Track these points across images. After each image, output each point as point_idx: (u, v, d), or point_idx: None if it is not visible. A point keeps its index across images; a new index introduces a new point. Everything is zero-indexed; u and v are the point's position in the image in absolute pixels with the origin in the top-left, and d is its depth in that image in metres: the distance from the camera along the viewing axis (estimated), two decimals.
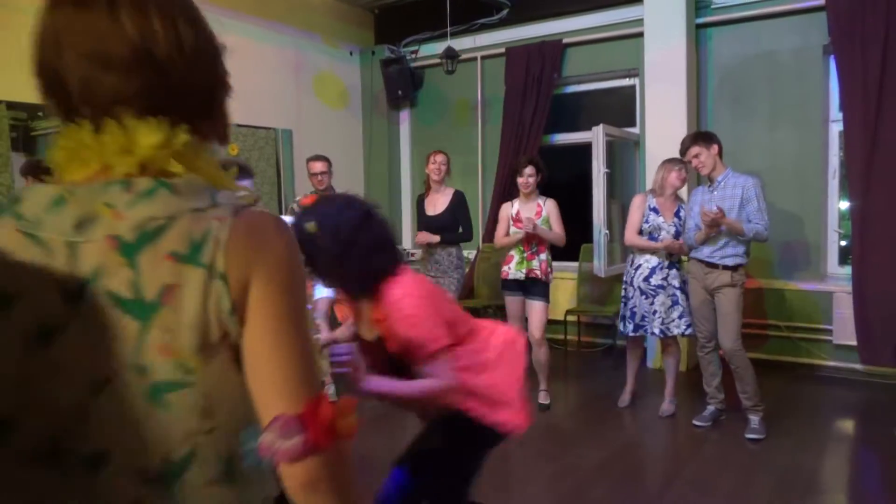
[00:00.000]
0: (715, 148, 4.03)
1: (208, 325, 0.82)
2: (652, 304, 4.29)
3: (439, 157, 4.75)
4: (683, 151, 4.11)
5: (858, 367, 5.04)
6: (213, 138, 0.99)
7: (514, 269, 4.47)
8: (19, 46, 3.90)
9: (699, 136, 4.05)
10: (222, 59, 1.02)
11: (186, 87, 0.90)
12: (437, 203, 4.74)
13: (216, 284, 0.82)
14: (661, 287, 4.28)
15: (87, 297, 0.80)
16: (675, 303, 4.30)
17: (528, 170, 4.47)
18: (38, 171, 4.71)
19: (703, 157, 4.00)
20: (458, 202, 4.72)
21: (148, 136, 0.85)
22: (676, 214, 4.31)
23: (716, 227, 3.91)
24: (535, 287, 4.45)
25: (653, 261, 4.30)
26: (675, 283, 4.30)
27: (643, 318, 4.34)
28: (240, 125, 5.95)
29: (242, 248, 0.84)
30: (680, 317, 4.29)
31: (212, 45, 0.99)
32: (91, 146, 0.85)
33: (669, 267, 4.32)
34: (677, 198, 4.39)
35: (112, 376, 0.81)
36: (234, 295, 0.83)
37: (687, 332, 4.31)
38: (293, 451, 0.81)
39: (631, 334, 4.46)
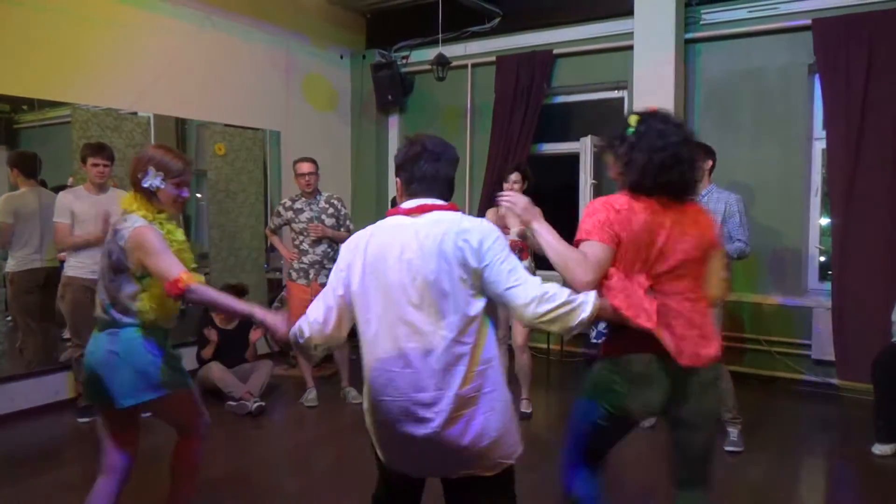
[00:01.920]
0: (709, 163, 4.06)
1: None
2: None
3: None
4: None
5: (836, 382, 5.10)
6: None
7: None
8: (6, 39, 3.95)
9: (700, 146, 4.07)
10: None
11: None
12: None
13: None
14: None
15: None
16: None
17: (514, 176, 4.48)
18: (26, 164, 4.67)
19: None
20: None
21: None
22: None
23: None
24: None
25: None
26: None
27: None
28: (227, 125, 5.93)
29: None
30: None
31: None
32: None
33: None
34: None
35: None
36: None
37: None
38: None
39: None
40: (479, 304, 1.91)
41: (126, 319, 2.46)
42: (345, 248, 2.08)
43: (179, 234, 2.58)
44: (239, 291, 5.12)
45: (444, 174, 2.07)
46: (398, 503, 2.19)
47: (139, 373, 2.45)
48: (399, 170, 2.07)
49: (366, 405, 2.04)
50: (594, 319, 1.97)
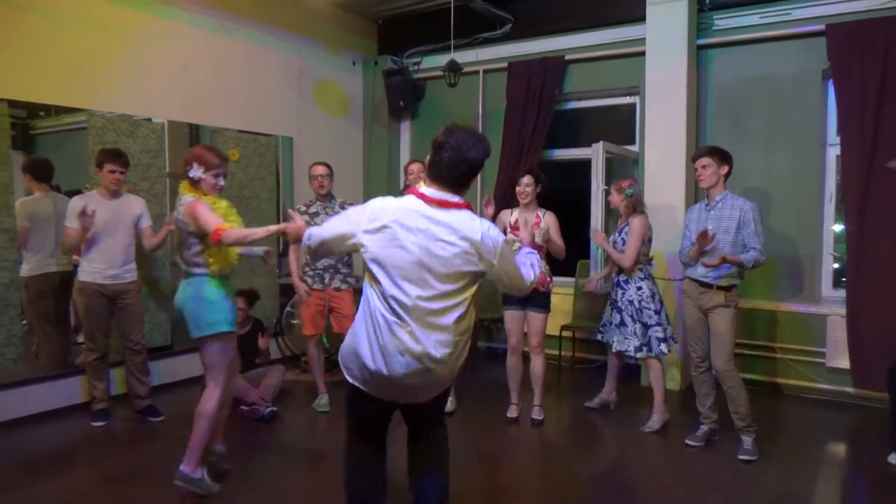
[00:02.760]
0: (725, 168, 4.04)
1: None
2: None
3: (414, 167, 4.74)
4: (695, 157, 4.12)
5: (851, 390, 5.05)
6: None
7: None
8: (23, 46, 4.00)
9: (717, 151, 4.05)
10: None
11: None
12: None
13: None
14: (614, 301, 4.64)
15: None
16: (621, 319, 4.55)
17: (526, 179, 4.48)
18: (38, 169, 4.71)
19: (710, 171, 4.01)
20: None
21: None
22: (619, 232, 4.59)
23: (707, 245, 3.91)
24: (534, 299, 4.44)
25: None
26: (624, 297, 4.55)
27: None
28: (241, 131, 5.96)
29: None
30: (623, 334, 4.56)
31: None
32: None
33: (624, 283, 4.55)
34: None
35: None
36: None
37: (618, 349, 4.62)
38: None
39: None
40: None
41: (196, 270, 3.25)
42: (370, 208, 2.32)
43: (223, 203, 3.32)
44: (250, 296, 5.16)
45: (464, 170, 2.30)
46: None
47: (199, 312, 3.21)
48: (431, 150, 2.34)
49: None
50: None
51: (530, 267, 2.55)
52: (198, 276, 3.24)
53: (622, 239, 4.51)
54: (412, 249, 2.24)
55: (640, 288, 4.46)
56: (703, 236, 3.87)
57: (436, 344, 2.29)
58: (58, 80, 4.65)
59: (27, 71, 4.48)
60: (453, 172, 2.29)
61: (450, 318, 2.30)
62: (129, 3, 5.02)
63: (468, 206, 2.34)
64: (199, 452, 3.35)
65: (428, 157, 2.35)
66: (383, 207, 2.30)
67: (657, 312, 4.43)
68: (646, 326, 4.45)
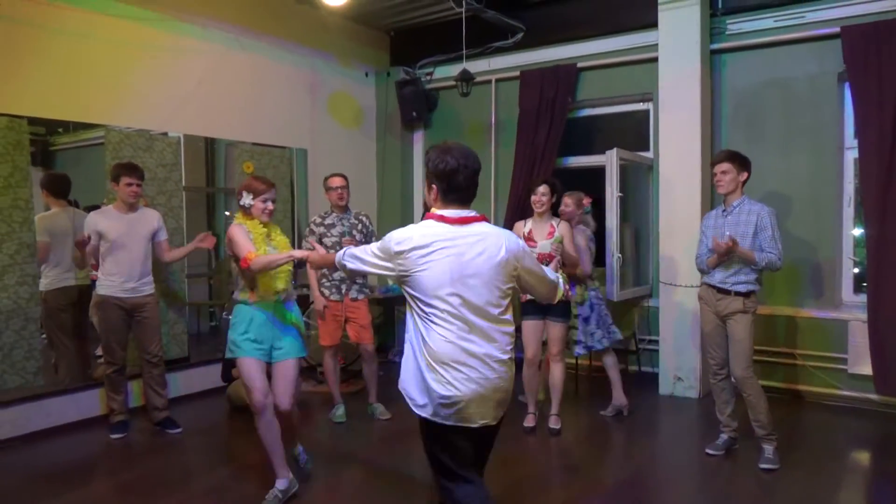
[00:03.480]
0: (745, 175, 4.00)
1: None
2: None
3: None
4: (715, 161, 4.08)
5: (874, 397, 4.97)
6: None
7: None
8: (41, 64, 4.07)
9: (737, 157, 4.02)
10: None
11: None
12: None
13: None
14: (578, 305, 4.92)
15: None
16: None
17: (542, 188, 4.48)
18: (55, 185, 4.77)
19: (729, 177, 3.97)
20: None
21: None
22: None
23: (726, 255, 3.88)
24: (553, 308, 4.43)
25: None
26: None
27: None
28: (255, 144, 6.01)
29: None
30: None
31: None
32: None
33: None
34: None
35: None
36: None
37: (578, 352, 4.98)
38: None
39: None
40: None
41: (236, 296, 3.47)
42: (398, 239, 2.32)
43: (262, 230, 3.44)
44: None
45: (475, 185, 2.39)
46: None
47: (228, 334, 3.43)
48: (435, 178, 2.35)
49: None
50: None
51: (552, 272, 2.65)
52: (237, 303, 3.46)
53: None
54: (452, 268, 2.27)
55: (596, 288, 4.95)
56: (726, 252, 3.84)
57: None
58: (76, 97, 4.72)
59: (46, 88, 4.56)
60: (471, 188, 2.38)
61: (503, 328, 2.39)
62: (146, 20, 5.09)
63: (485, 218, 2.42)
64: (274, 461, 3.46)
65: (435, 187, 2.35)
66: (410, 236, 2.32)
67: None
68: (606, 322, 4.89)
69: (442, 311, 2.28)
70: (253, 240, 3.36)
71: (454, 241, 2.28)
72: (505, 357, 2.37)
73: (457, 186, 2.33)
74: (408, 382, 2.36)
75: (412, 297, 2.33)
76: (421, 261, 2.28)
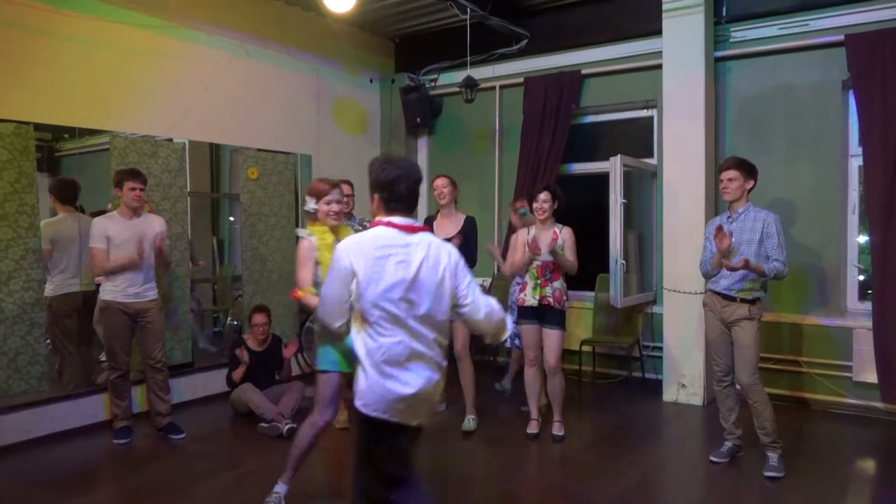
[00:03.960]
0: (751, 183, 4.00)
1: None
2: None
3: (439, 182, 4.75)
4: (723, 168, 4.08)
5: (879, 405, 4.95)
6: None
7: (529, 296, 4.46)
8: (48, 71, 4.08)
9: (744, 164, 4.01)
10: None
11: None
12: (446, 227, 4.66)
13: None
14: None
15: None
16: None
17: (543, 195, 4.48)
18: (62, 190, 4.79)
19: (736, 184, 3.97)
20: (469, 228, 4.65)
21: None
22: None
23: (727, 252, 3.86)
24: (550, 315, 4.44)
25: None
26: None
27: None
28: (260, 150, 6.03)
29: None
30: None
31: None
32: None
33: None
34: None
35: None
36: None
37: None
38: None
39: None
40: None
41: None
42: (345, 251, 2.38)
43: (329, 238, 3.31)
44: (269, 312, 5.20)
45: (416, 195, 2.47)
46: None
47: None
48: (378, 188, 2.44)
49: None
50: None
51: (491, 304, 2.54)
52: None
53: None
54: (399, 275, 2.34)
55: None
56: (719, 233, 3.83)
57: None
58: (82, 103, 4.75)
59: (52, 95, 4.58)
60: (413, 197, 2.46)
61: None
62: (152, 27, 5.12)
63: (427, 229, 2.53)
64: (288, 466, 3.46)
65: (377, 196, 2.45)
66: (348, 248, 2.38)
67: None
68: None
69: (390, 316, 2.33)
70: (319, 253, 3.26)
71: (406, 249, 2.36)
72: (443, 365, 2.48)
73: (399, 196, 2.41)
74: (358, 386, 2.40)
75: (360, 300, 2.36)
76: (372, 266, 2.34)
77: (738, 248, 3.90)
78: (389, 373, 2.34)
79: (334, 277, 2.40)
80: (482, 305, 2.48)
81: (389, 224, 2.40)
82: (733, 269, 3.84)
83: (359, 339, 2.40)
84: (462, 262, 2.49)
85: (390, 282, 2.33)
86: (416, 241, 2.39)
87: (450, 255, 2.45)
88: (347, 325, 2.44)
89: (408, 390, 2.35)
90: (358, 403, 2.39)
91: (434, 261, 2.39)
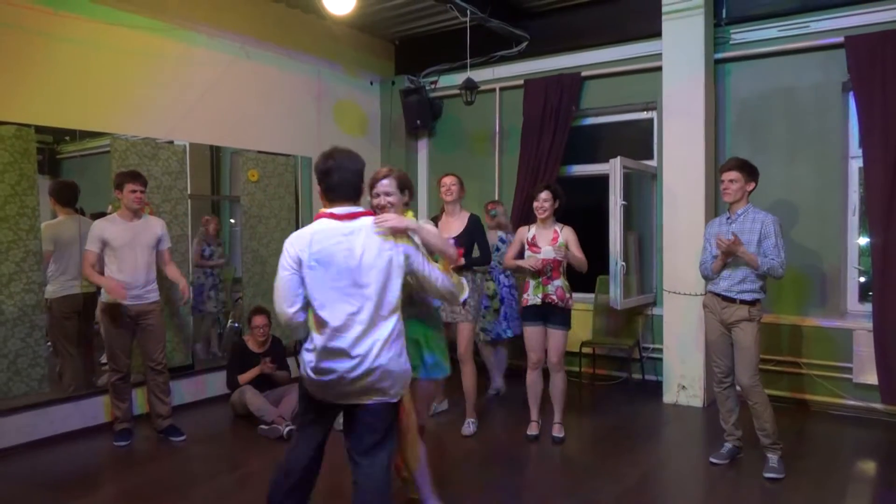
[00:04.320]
0: (752, 184, 4.01)
1: None
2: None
3: (447, 179, 4.75)
4: (724, 168, 4.08)
5: (879, 406, 4.95)
6: None
7: (531, 295, 4.46)
8: (48, 73, 4.09)
9: (746, 166, 4.01)
10: None
11: None
12: (452, 226, 4.67)
13: None
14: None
15: None
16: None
17: (544, 195, 4.48)
18: (62, 192, 4.80)
19: (737, 185, 3.97)
20: (475, 226, 4.67)
21: None
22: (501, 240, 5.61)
23: (730, 255, 3.88)
24: (554, 315, 4.43)
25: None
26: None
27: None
28: (260, 152, 6.04)
29: None
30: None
31: None
32: None
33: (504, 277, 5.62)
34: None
35: None
36: None
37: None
38: None
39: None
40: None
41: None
42: (289, 244, 2.56)
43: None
44: (266, 311, 5.20)
45: (351, 181, 2.62)
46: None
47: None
48: (318, 179, 2.64)
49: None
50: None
51: (439, 273, 2.75)
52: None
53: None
54: (344, 263, 2.49)
55: (511, 284, 5.66)
56: (728, 250, 3.85)
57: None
58: (83, 106, 4.76)
59: (53, 97, 4.59)
60: (345, 187, 2.60)
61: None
62: (152, 29, 5.13)
63: (371, 213, 2.66)
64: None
65: (320, 188, 2.63)
66: (292, 241, 2.56)
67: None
68: (514, 315, 5.52)
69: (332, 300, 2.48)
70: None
71: (348, 237, 2.51)
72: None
73: (331, 186, 2.59)
74: None
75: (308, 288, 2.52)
76: (315, 257, 2.49)
77: (736, 257, 3.90)
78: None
79: (283, 268, 2.54)
80: (434, 277, 2.68)
81: (330, 215, 2.56)
82: (724, 250, 3.85)
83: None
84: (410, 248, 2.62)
85: (338, 269, 2.48)
86: (357, 226, 2.53)
87: (392, 242, 2.56)
88: (299, 313, 2.55)
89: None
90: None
91: (375, 243, 2.52)
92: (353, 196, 2.62)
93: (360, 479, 2.59)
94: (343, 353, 2.48)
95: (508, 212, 6.62)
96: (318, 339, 2.52)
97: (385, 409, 2.60)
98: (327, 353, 2.50)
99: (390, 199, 3.02)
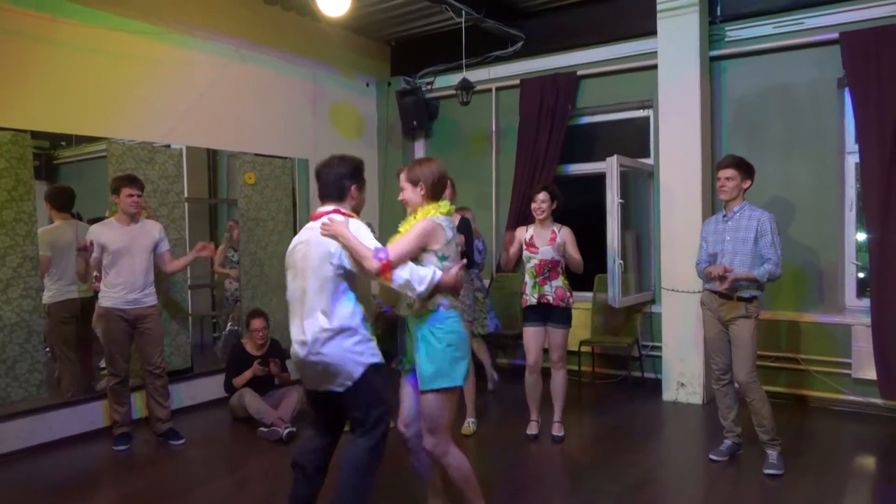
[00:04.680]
0: (748, 182, 4.01)
1: None
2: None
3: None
4: (721, 166, 4.07)
5: (878, 401, 4.95)
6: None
7: (529, 295, 4.46)
8: (44, 78, 4.09)
9: (743, 164, 4.01)
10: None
11: None
12: None
13: None
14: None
15: None
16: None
17: (542, 195, 4.48)
18: (58, 198, 4.80)
19: (733, 183, 3.97)
20: (463, 227, 4.65)
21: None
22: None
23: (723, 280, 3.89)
24: (554, 314, 4.43)
25: None
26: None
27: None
28: (257, 154, 6.04)
29: None
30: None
31: None
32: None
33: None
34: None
35: None
36: None
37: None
38: None
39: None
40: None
41: (444, 297, 3.11)
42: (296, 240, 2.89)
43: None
44: (264, 314, 5.21)
45: (333, 183, 2.89)
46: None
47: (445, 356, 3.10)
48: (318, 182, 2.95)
49: None
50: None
51: (409, 269, 2.73)
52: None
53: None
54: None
55: (482, 282, 5.59)
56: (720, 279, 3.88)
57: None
58: (79, 111, 4.75)
59: (49, 102, 4.59)
60: (327, 187, 2.90)
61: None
62: (147, 33, 5.13)
63: (338, 211, 2.83)
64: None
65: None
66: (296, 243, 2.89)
67: None
68: (489, 311, 5.55)
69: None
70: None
71: (308, 231, 2.83)
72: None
73: (320, 187, 2.92)
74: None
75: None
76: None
77: (734, 259, 3.92)
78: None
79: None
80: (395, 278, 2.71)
81: (312, 216, 2.89)
82: (714, 278, 3.88)
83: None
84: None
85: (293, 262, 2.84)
86: (314, 225, 2.80)
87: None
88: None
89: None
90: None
91: (317, 241, 2.76)
92: (335, 196, 2.87)
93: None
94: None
95: (504, 214, 6.64)
96: None
97: (349, 395, 2.75)
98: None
99: (404, 195, 3.06)
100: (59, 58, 4.63)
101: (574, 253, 4.46)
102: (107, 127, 4.93)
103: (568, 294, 4.48)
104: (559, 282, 4.44)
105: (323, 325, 2.70)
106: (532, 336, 4.52)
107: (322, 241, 2.74)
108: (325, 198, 2.90)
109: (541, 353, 4.54)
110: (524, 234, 4.58)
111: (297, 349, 2.78)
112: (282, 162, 6.26)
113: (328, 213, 2.79)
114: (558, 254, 4.36)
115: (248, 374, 5.01)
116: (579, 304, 6.13)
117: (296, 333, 2.79)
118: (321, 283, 2.72)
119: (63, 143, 4.93)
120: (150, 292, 4.58)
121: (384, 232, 6.93)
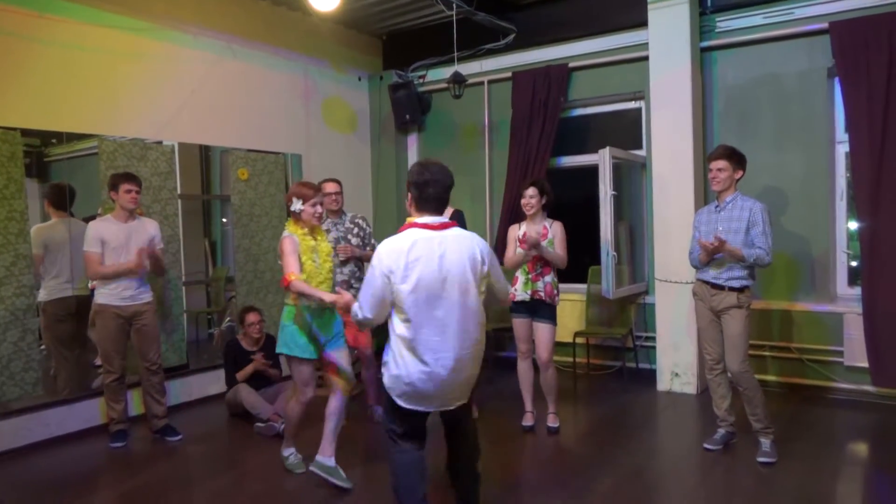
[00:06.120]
0: (740, 173, 4.03)
1: None
2: None
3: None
4: (712, 157, 4.09)
5: (870, 389, 5.00)
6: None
7: (519, 290, 4.49)
8: (34, 75, 4.10)
9: (735, 155, 4.03)
10: None
11: None
12: None
13: None
14: None
15: None
16: None
17: (530, 191, 4.49)
18: (58, 196, 4.78)
19: (725, 174, 3.99)
20: (457, 217, 4.66)
21: None
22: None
23: (716, 254, 3.91)
24: (541, 309, 4.46)
25: None
26: None
27: None
28: (250, 150, 6.03)
29: None
30: None
31: None
32: None
33: None
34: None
35: None
36: None
37: None
38: None
39: None
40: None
41: (286, 299, 3.69)
42: (385, 255, 2.65)
43: (310, 241, 3.68)
44: (258, 309, 5.21)
45: (444, 198, 2.78)
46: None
47: (281, 334, 3.70)
48: (412, 187, 2.75)
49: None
50: None
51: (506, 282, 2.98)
52: (286, 305, 3.69)
53: None
54: (436, 270, 2.63)
55: None
56: (713, 251, 3.88)
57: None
58: (69, 108, 4.74)
59: (39, 100, 4.57)
60: (441, 200, 2.76)
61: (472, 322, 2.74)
62: (137, 30, 5.11)
63: (455, 224, 2.80)
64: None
65: (411, 195, 2.76)
66: (395, 250, 2.65)
67: None
68: None
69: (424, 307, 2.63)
70: (300, 252, 3.60)
71: (440, 244, 2.66)
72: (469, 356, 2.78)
73: (426, 197, 2.72)
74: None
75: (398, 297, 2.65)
76: (406, 264, 2.62)
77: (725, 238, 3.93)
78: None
79: (373, 276, 2.67)
80: (501, 283, 2.89)
81: (424, 226, 2.70)
82: (708, 251, 3.88)
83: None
84: (488, 249, 2.80)
85: (423, 276, 2.61)
86: (449, 235, 2.69)
87: (479, 244, 2.75)
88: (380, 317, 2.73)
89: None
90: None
91: (464, 251, 2.68)
92: (442, 209, 2.79)
93: None
94: None
95: (498, 207, 6.65)
96: None
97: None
98: None
99: (319, 210, 3.71)
100: (48, 55, 4.61)
101: (559, 249, 4.48)
102: (98, 124, 4.91)
103: (555, 292, 4.50)
104: (550, 278, 4.47)
105: (477, 337, 2.76)
106: (521, 327, 4.56)
107: (476, 253, 2.73)
108: (434, 210, 2.75)
109: (531, 342, 4.58)
110: (517, 231, 4.60)
111: (446, 370, 2.67)
112: (275, 157, 6.25)
113: (448, 225, 2.74)
114: (531, 246, 4.33)
115: (249, 369, 5.03)
116: (574, 296, 6.19)
117: (446, 356, 2.66)
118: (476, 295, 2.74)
119: (54, 140, 4.91)
120: (146, 289, 4.58)
121: (378, 227, 6.94)
